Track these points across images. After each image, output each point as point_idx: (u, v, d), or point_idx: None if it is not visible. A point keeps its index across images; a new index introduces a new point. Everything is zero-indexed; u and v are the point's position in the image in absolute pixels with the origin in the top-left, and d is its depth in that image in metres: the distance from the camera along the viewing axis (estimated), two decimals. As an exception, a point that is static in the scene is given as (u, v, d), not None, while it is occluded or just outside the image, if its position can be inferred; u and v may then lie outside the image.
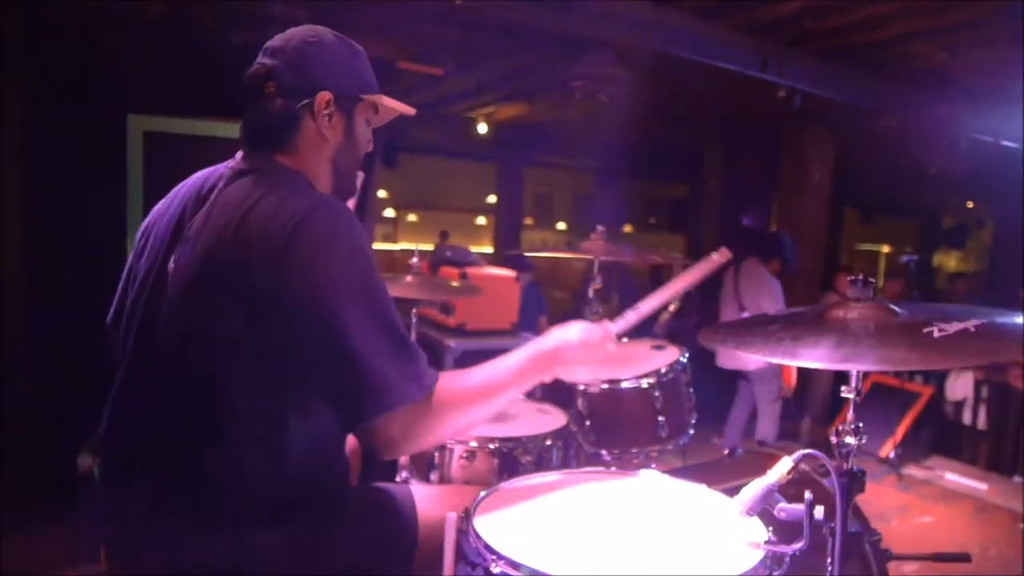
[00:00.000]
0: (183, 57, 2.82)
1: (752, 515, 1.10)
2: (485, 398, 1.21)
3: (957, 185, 9.29)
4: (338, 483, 1.29)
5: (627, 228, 12.04)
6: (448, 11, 3.60)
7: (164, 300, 1.16)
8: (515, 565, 1.02)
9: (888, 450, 4.80)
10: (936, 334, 1.23)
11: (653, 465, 1.85)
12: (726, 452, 1.97)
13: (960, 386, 5.04)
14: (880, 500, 4.26)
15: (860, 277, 1.41)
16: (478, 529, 1.12)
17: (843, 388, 1.42)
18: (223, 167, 1.29)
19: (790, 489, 1.26)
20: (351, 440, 1.78)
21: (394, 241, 11.50)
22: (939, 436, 5.18)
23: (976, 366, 5.00)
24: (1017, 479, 4.69)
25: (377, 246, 10.75)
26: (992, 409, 4.96)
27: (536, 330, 4.89)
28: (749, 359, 4.24)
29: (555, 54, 4.47)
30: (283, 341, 1.07)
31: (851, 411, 1.41)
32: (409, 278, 2.13)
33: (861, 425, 1.41)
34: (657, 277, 11.29)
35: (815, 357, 1.24)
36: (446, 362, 3.19)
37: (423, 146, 9.90)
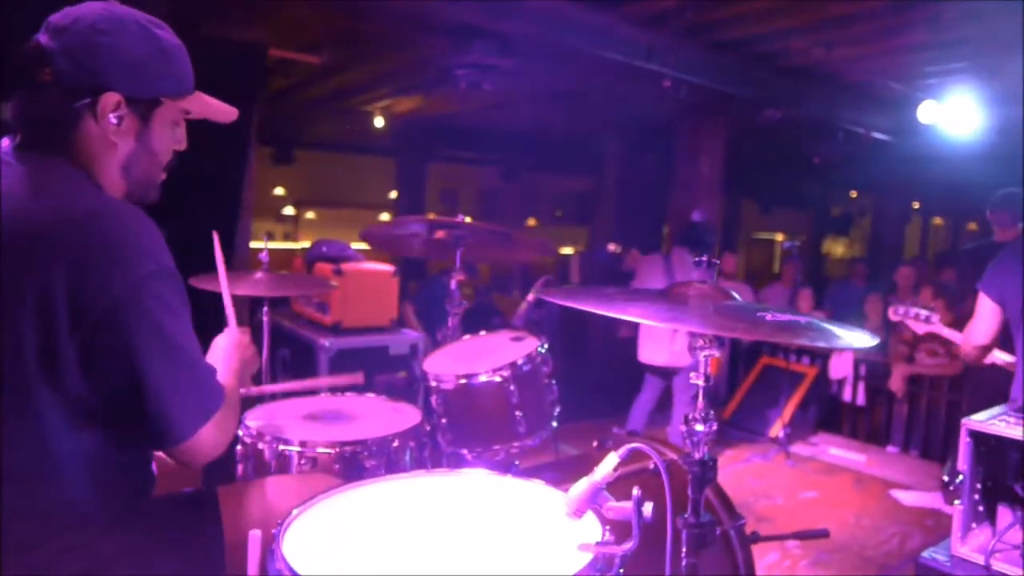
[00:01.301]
0: None
1: (579, 517, 1.02)
2: (238, 394, 1.30)
3: (842, 176, 9.81)
4: (133, 495, 1.15)
5: (531, 222, 12.07)
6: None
7: None
8: (312, 589, 0.90)
9: (777, 430, 4.96)
10: (768, 318, 1.21)
11: (517, 462, 1.78)
12: (595, 444, 1.91)
13: (840, 365, 5.28)
14: (769, 478, 4.40)
15: (704, 258, 1.37)
16: (286, 548, 1.00)
17: (692, 374, 1.38)
18: None
19: (654, 480, 1.18)
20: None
21: (295, 240, 11.10)
22: (823, 413, 5.42)
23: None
24: (890, 449, 4.97)
25: (278, 245, 10.35)
26: (869, 385, 5.22)
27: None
28: (683, 355, 4.12)
29: (446, 44, 4.36)
30: (68, 356, 0.97)
31: (701, 398, 1.37)
32: (259, 275, 1.97)
33: (712, 412, 1.37)
34: (563, 272, 11.38)
35: (643, 314, 1.21)
36: (320, 362, 3.02)
37: (320, 141, 9.54)
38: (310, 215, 11.06)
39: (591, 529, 1.08)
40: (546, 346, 1.74)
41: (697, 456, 1.34)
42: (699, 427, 1.34)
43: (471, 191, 12.55)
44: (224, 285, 1.47)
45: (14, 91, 1.10)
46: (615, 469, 1.00)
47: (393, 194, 10.54)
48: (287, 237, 11.15)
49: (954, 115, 5.53)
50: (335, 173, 10.10)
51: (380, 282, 3.30)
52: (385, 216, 11.59)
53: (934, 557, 1.76)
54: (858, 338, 1.16)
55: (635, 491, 0.97)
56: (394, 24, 4.40)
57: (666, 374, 4.34)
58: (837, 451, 4.92)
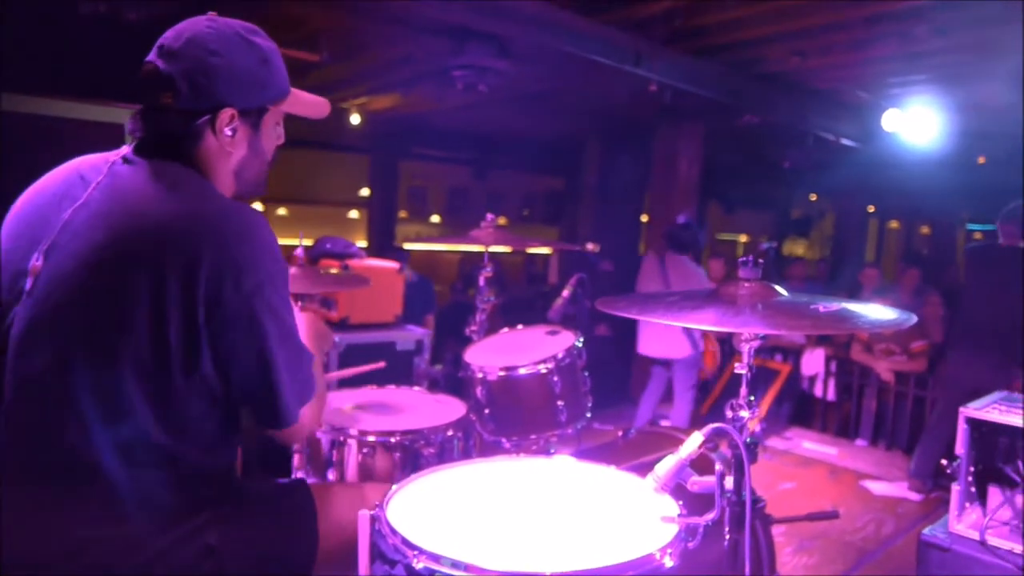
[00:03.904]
0: (24, 27, 2.50)
1: (666, 491, 1.12)
2: (323, 373, 1.36)
3: (804, 179, 10.15)
4: (234, 478, 1.21)
5: (502, 220, 12.12)
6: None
7: (30, 294, 1.03)
8: (436, 559, 0.98)
9: (753, 425, 5.14)
10: (822, 310, 1.32)
11: (553, 450, 1.86)
12: (620, 433, 2.01)
13: (812, 361, 5.51)
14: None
15: (750, 258, 1.48)
16: (394, 525, 1.07)
17: (736, 365, 1.49)
18: (102, 159, 1.15)
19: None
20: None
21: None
22: (796, 409, 5.64)
23: (828, 342, 5.50)
24: (859, 442, 5.21)
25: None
26: (839, 381, 5.46)
27: (424, 327, 4.82)
28: (678, 347, 4.35)
29: (435, 44, 4.41)
30: (194, 342, 1.03)
31: (744, 386, 1.49)
32: (293, 270, 2.00)
33: (753, 399, 1.49)
34: (532, 269, 11.49)
35: (715, 321, 1.30)
36: (330, 357, 3.05)
37: (293, 137, 9.40)
38: (281, 211, 10.91)
39: (667, 504, 1.17)
40: (583, 340, 1.83)
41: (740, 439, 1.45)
42: (744, 412, 1.45)
43: (440, 189, 12.56)
44: None
45: (137, 108, 1.14)
46: (700, 447, 1.10)
47: (365, 191, 10.50)
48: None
49: (915, 123, 5.82)
50: (307, 169, 10.00)
51: (386, 279, 3.35)
52: (355, 214, 11.52)
53: (934, 534, 1.91)
54: (905, 317, 1.28)
55: (718, 466, 1.07)
56: (388, 23, 4.43)
57: (666, 364, 4.53)
58: (810, 444, 5.14)
